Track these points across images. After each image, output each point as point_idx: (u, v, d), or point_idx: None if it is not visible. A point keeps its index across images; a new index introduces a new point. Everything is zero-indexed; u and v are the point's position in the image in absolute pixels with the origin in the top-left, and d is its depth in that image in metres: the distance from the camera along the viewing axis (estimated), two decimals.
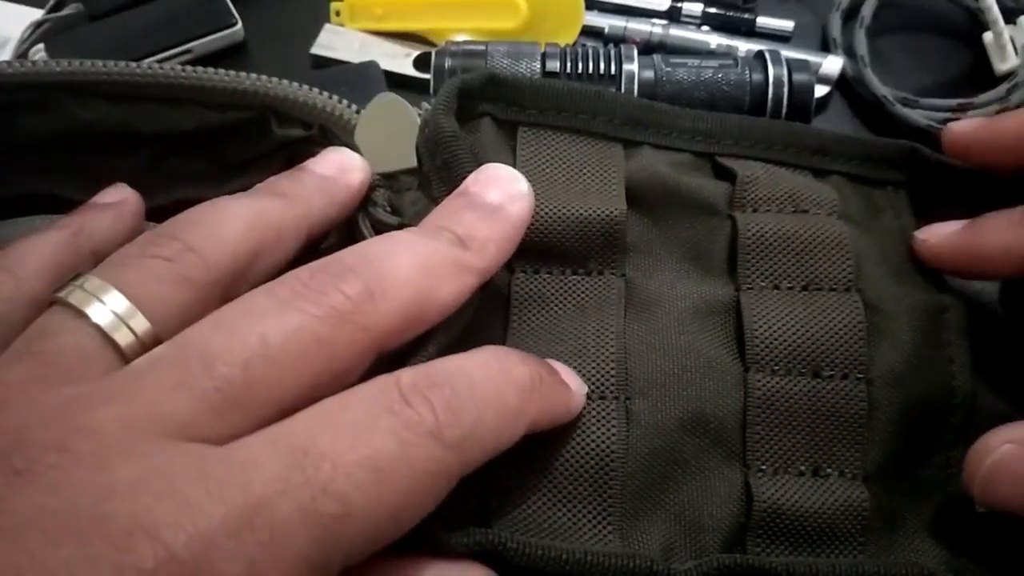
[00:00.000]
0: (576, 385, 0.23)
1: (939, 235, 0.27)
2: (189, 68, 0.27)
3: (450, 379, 0.19)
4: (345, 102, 0.27)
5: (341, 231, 0.27)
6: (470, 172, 0.24)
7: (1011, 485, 0.22)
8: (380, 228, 0.26)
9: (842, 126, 0.40)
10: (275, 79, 0.28)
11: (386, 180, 0.27)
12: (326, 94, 0.27)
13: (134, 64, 0.27)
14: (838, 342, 0.25)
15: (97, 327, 0.19)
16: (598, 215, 0.26)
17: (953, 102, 0.40)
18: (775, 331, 0.25)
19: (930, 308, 0.26)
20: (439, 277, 0.21)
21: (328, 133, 0.28)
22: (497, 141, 0.28)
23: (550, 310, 0.26)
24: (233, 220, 0.22)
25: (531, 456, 0.23)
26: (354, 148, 0.27)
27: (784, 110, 0.36)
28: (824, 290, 0.26)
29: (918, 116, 0.39)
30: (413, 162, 0.27)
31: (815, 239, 0.27)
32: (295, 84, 0.28)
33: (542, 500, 0.23)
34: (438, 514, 0.19)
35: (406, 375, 0.19)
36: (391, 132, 0.26)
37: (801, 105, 0.36)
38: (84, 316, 0.19)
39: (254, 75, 0.27)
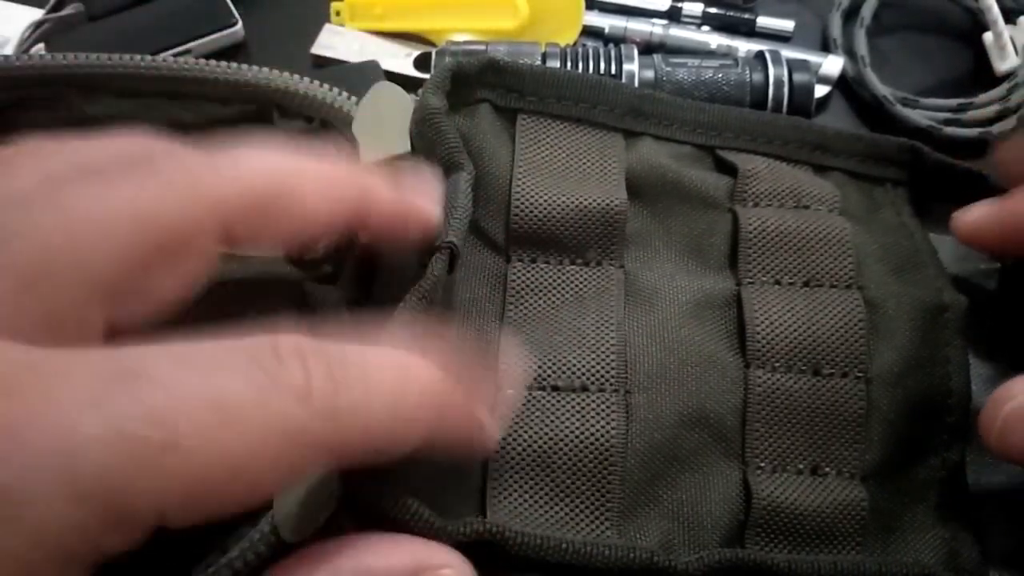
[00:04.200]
0: (491, 426, 0.20)
1: (978, 212, 0.26)
2: (191, 60, 0.28)
3: (344, 356, 0.16)
4: (345, 94, 0.27)
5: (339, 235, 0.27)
6: (456, 149, 0.24)
7: None
8: None
9: (842, 126, 0.40)
10: (276, 71, 0.28)
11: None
12: (327, 86, 0.27)
13: (137, 57, 0.27)
14: (839, 339, 0.25)
15: None
16: (598, 204, 0.26)
17: (953, 102, 0.40)
18: (776, 327, 0.25)
19: (929, 307, 0.26)
20: None
21: (329, 126, 0.28)
22: (495, 128, 0.27)
23: (547, 299, 0.26)
24: None
25: (530, 448, 0.23)
26: (352, 139, 0.27)
27: (784, 110, 0.36)
28: (825, 286, 0.26)
29: (918, 116, 0.39)
30: (407, 148, 0.27)
31: (816, 235, 0.26)
32: (296, 76, 0.28)
33: (540, 493, 0.22)
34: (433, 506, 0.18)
35: (289, 338, 0.16)
36: (388, 121, 0.26)
37: (801, 105, 0.36)
38: None
39: (255, 67, 0.28)
